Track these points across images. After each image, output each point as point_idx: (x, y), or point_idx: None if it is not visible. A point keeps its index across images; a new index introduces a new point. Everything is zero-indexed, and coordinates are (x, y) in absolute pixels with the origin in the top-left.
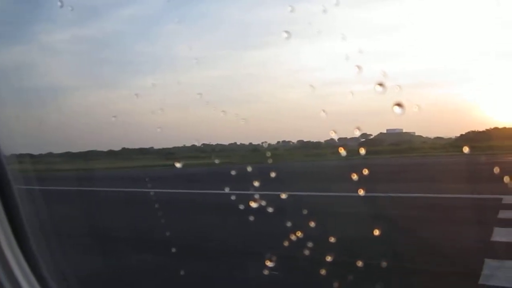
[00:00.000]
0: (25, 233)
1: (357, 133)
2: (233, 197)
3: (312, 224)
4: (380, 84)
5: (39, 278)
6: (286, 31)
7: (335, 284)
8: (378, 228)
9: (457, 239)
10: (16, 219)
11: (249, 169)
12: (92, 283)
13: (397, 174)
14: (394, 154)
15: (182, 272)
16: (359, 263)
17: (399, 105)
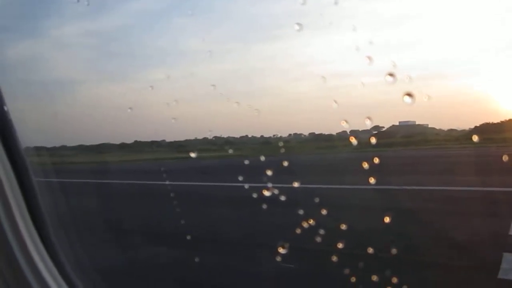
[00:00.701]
0: (44, 223)
1: (368, 124)
2: (249, 190)
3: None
4: (391, 75)
5: (57, 264)
6: (298, 23)
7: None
8: (395, 221)
9: (474, 232)
10: (36, 210)
11: (263, 161)
12: (106, 269)
13: (411, 167)
14: (408, 147)
15: (199, 266)
16: (374, 254)
17: (409, 95)
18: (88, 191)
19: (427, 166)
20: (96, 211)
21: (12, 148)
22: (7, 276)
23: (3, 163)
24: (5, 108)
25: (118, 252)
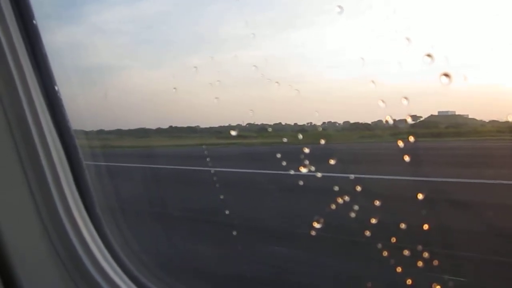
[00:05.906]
0: (93, 203)
1: (405, 103)
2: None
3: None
4: (429, 55)
5: (104, 239)
6: (339, 6)
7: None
8: (434, 212)
9: None
10: (85, 190)
11: (305, 149)
12: (152, 248)
13: (471, 159)
14: (449, 138)
15: (243, 253)
16: (410, 244)
17: (446, 75)
18: (132, 174)
19: (487, 158)
20: (144, 195)
21: (63, 130)
22: (60, 252)
23: (56, 145)
24: (57, 89)
25: (166, 232)
